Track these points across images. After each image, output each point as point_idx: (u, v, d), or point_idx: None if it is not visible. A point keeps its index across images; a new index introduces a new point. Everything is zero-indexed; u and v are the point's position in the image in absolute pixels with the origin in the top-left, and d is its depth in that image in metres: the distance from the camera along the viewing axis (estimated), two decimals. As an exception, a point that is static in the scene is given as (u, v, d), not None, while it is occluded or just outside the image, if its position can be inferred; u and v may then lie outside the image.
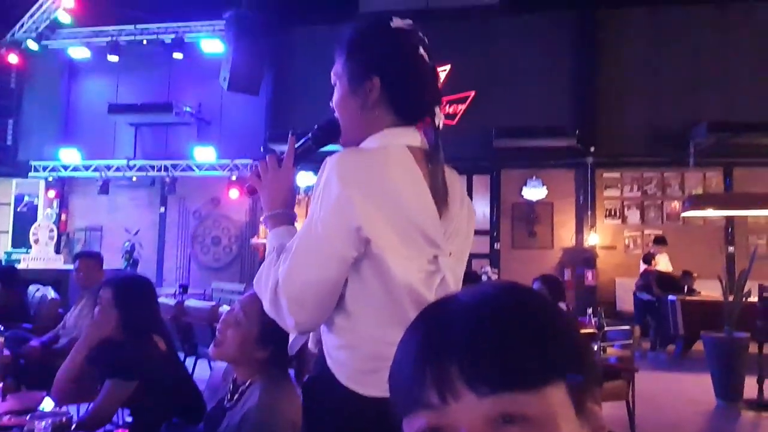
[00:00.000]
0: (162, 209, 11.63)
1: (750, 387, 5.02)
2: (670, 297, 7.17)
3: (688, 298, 7.10)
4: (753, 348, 5.07)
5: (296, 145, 1.25)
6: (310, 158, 1.29)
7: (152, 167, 11.26)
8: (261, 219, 1.24)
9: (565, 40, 10.17)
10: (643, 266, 8.14)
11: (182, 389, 2.16)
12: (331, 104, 1.23)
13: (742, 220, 9.29)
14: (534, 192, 10.04)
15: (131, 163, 11.30)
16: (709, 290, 7.78)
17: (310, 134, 1.26)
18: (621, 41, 10.04)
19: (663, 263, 8.21)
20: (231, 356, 1.61)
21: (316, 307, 1.09)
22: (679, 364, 6.86)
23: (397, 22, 1.18)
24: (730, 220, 9.32)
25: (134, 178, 11.33)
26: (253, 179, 1.25)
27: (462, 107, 10.25)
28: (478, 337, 0.45)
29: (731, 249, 9.51)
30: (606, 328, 3.26)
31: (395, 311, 1.07)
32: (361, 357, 1.09)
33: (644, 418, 4.30)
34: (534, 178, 10.05)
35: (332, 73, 1.23)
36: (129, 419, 2.16)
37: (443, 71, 10.42)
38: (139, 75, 11.57)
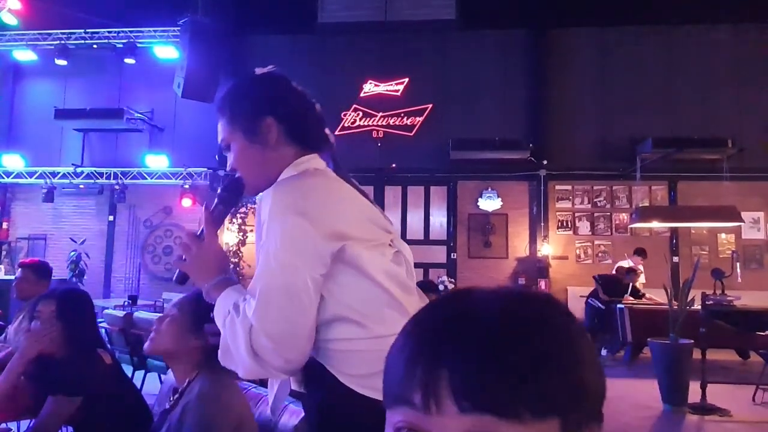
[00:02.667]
0: (111, 218, 11.25)
1: (694, 392, 5.21)
2: (619, 305, 7.40)
3: (635, 306, 7.33)
4: (696, 354, 5.28)
5: (211, 213, 1.25)
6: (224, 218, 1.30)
7: (101, 174, 10.90)
8: (204, 293, 1.23)
9: (518, 56, 10.45)
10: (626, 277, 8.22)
11: (129, 404, 2.08)
12: (228, 170, 1.26)
13: (685, 231, 9.70)
14: (489, 203, 10.21)
15: (78, 170, 10.91)
16: (656, 299, 8.09)
17: (216, 199, 1.27)
18: (572, 59, 10.39)
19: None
20: (165, 348, 1.60)
21: (300, 339, 1.07)
22: (628, 370, 7.07)
23: (260, 70, 1.26)
24: (674, 231, 9.72)
25: (81, 186, 10.94)
26: (179, 264, 1.22)
27: (419, 119, 10.36)
28: (476, 350, 0.42)
29: (675, 259, 9.90)
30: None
31: (388, 299, 1.10)
32: (376, 359, 1.08)
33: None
34: (489, 189, 10.23)
35: (220, 141, 1.25)
36: (72, 437, 2.06)
37: (401, 84, 10.54)
38: (88, 80, 11.22)
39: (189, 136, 10.89)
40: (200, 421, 1.43)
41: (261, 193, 1.17)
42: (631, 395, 5.70)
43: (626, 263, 8.34)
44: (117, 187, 10.71)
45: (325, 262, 1.08)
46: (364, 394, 1.06)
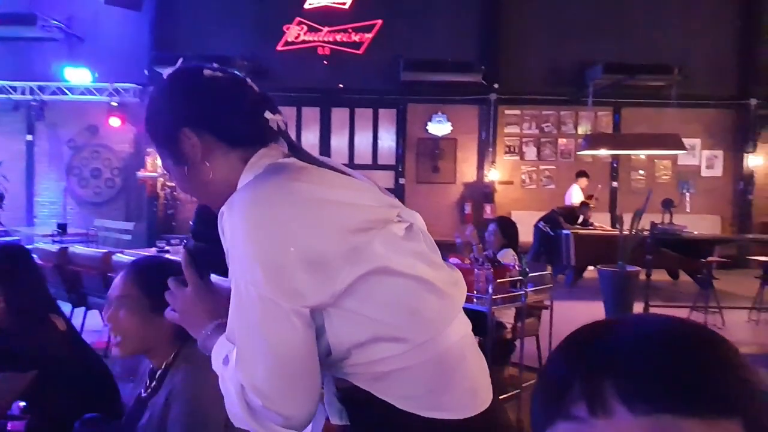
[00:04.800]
0: (29, 137, 10.27)
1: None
2: (564, 231, 7.59)
3: (581, 231, 7.54)
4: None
5: (188, 251, 1.05)
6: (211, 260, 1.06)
7: (14, 89, 9.82)
8: (199, 346, 1.02)
9: (472, -28, 9.95)
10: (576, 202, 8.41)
11: (88, 374, 1.83)
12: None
13: (626, 157, 9.95)
14: (439, 127, 10.04)
15: (-13, 83, 9.76)
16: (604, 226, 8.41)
17: (190, 235, 1.08)
18: (526, -23, 10.00)
19: (577, 194, 8.63)
20: (137, 346, 1.37)
21: (298, 394, 0.86)
22: (569, 293, 7.36)
23: (169, 70, 1.02)
24: (615, 157, 9.95)
25: (-7, 102, 9.85)
26: (170, 315, 1.06)
27: (368, 36, 9.81)
28: (642, 354, 0.42)
29: (615, 184, 10.22)
30: (529, 274, 3.30)
31: (417, 286, 0.91)
32: (430, 373, 0.90)
33: (547, 350, 4.55)
34: (439, 113, 10.01)
35: (164, 168, 1.06)
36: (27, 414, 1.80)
37: (349, -4, 9.86)
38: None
39: (114, 48, 9.87)
40: (190, 413, 1.25)
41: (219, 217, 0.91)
42: (577, 318, 5.73)
43: (576, 188, 8.53)
44: (34, 103, 9.71)
45: (324, 286, 0.85)
46: (429, 416, 0.89)
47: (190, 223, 1.07)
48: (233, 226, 0.86)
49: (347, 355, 0.89)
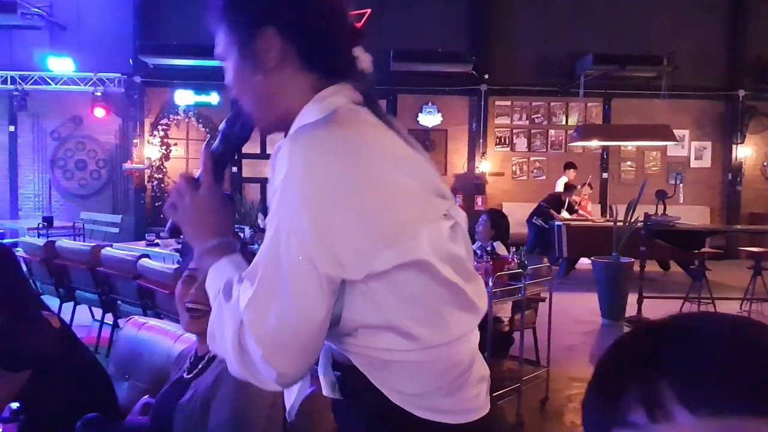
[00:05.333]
0: (12, 128, 10.04)
1: (630, 305, 5.49)
2: (557, 222, 7.59)
3: (573, 223, 7.54)
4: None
5: (212, 153, 0.95)
6: (231, 164, 0.99)
7: (-5, 78, 9.58)
8: (195, 261, 0.95)
9: (462, -39, 9.86)
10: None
11: (84, 372, 1.77)
12: (231, 92, 0.94)
13: (615, 148, 9.97)
14: (429, 118, 9.97)
15: (-34, 72, 9.51)
16: (587, 215, 8.42)
17: (218, 133, 0.97)
18: (517, -34, 9.93)
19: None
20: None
21: (299, 352, 0.81)
22: (563, 284, 7.37)
23: None
24: (605, 148, 9.97)
25: (-28, 91, 9.60)
26: (170, 210, 0.95)
27: (357, 26, 9.67)
28: (702, 354, 0.40)
29: (605, 175, 10.25)
30: (529, 267, 3.26)
31: (450, 294, 0.86)
32: (435, 373, 0.86)
33: (544, 342, 4.53)
34: (430, 104, 9.95)
35: (216, 54, 0.92)
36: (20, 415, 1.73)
37: (338, -16, 9.73)
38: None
39: (97, 37, 9.66)
40: (238, 395, 1.28)
41: (276, 142, 0.83)
42: (571, 310, 5.93)
43: (563, 180, 8.51)
44: (16, 93, 9.48)
45: (364, 263, 0.80)
46: (423, 417, 0.85)
47: (223, 120, 0.97)
48: (291, 166, 0.78)
49: (353, 333, 0.85)
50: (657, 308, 5.78)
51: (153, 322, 2.11)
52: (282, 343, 0.79)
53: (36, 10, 9.34)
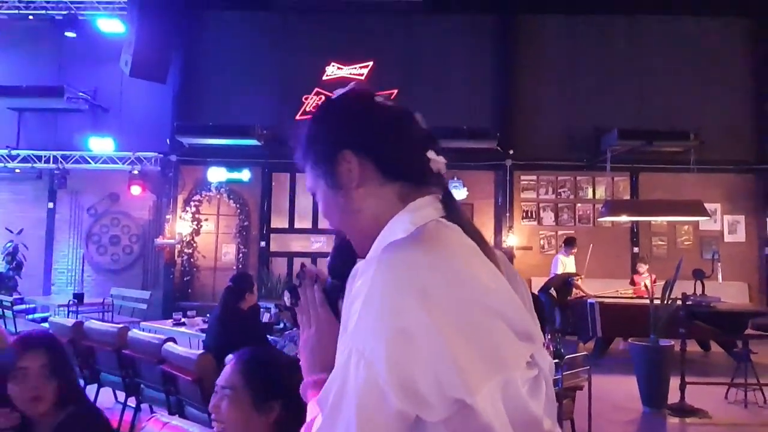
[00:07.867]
0: (50, 205, 10.41)
1: (672, 390, 5.20)
2: (590, 300, 7.37)
3: (607, 301, 7.32)
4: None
5: (325, 292, 0.94)
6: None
7: (39, 158, 10.05)
8: (300, 388, 0.92)
9: (485, 42, 10.24)
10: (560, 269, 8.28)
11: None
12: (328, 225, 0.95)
13: (646, 223, 9.82)
14: (455, 193, 9.74)
15: (14, 152, 10.00)
16: (621, 288, 8.20)
17: (327, 267, 0.96)
18: (539, 46, 10.25)
19: (570, 264, 8.43)
20: None
21: None
22: (598, 365, 7.06)
23: (338, 92, 0.95)
24: (635, 222, 9.82)
25: (17, 170, 10.05)
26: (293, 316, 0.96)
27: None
28: None
29: (635, 250, 10.04)
30: (566, 357, 3.14)
31: None
32: None
33: (582, 430, 4.29)
34: (455, 179, 10.03)
35: (307, 188, 0.96)
36: None
37: (366, 67, 10.14)
38: (24, 54, 10.26)
39: (137, 118, 10.14)
40: None
41: (359, 267, 0.79)
42: (609, 394, 5.64)
43: (562, 256, 8.34)
44: (57, 171, 9.90)
45: (444, 404, 0.71)
46: None
47: (330, 254, 0.96)
48: (371, 288, 0.73)
49: None
50: (701, 394, 5.47)
51: (175, 422, 2.05)
52: None
53: (81, 94, 9.91)
